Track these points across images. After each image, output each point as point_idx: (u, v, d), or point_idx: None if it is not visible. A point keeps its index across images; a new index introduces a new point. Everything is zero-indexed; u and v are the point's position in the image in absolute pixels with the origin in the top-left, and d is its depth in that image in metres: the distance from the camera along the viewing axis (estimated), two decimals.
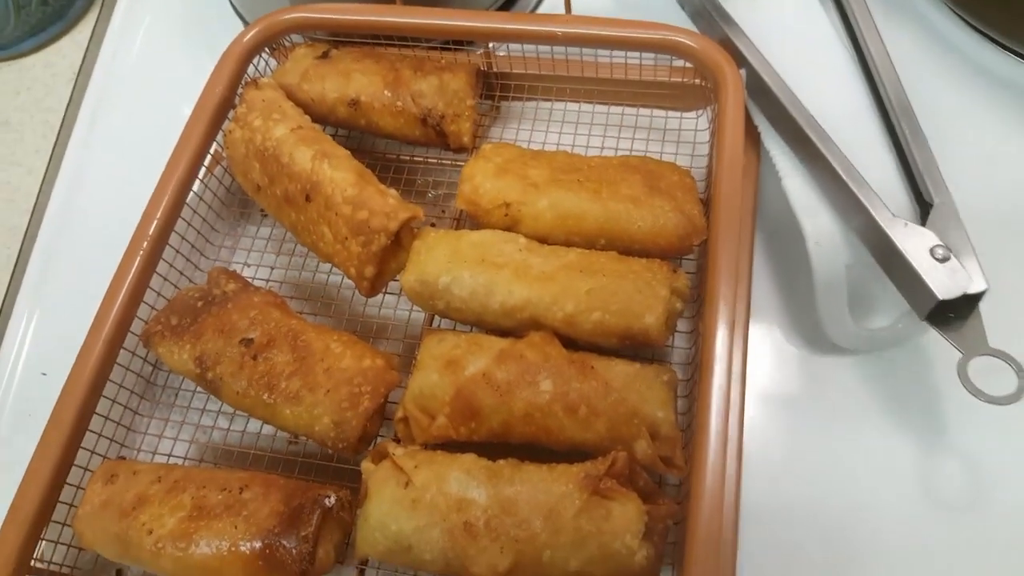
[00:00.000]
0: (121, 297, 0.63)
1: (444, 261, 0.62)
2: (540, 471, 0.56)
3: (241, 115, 0.69)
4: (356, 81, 0.72)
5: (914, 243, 0.58)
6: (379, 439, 0.62)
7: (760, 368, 0.67)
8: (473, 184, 0.66)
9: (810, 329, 0.68)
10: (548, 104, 0.79)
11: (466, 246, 0.63)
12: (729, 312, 0.58)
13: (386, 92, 0.71)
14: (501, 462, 0.56)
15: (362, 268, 0.64)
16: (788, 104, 0.67)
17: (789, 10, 0.73)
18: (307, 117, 0.70)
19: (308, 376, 0.60)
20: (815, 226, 0.65)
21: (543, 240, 0.65)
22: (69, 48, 0.96)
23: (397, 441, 0.61)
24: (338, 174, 0.65)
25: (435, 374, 0.59)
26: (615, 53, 0.73)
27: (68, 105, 0.92)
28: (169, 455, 0.66)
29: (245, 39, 0.73)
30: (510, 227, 0.66)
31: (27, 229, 0.85)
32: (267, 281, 0.72)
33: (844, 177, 0.63)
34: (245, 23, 0.90)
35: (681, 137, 0.75)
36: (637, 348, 0.62)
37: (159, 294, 0.68)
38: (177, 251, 0.70)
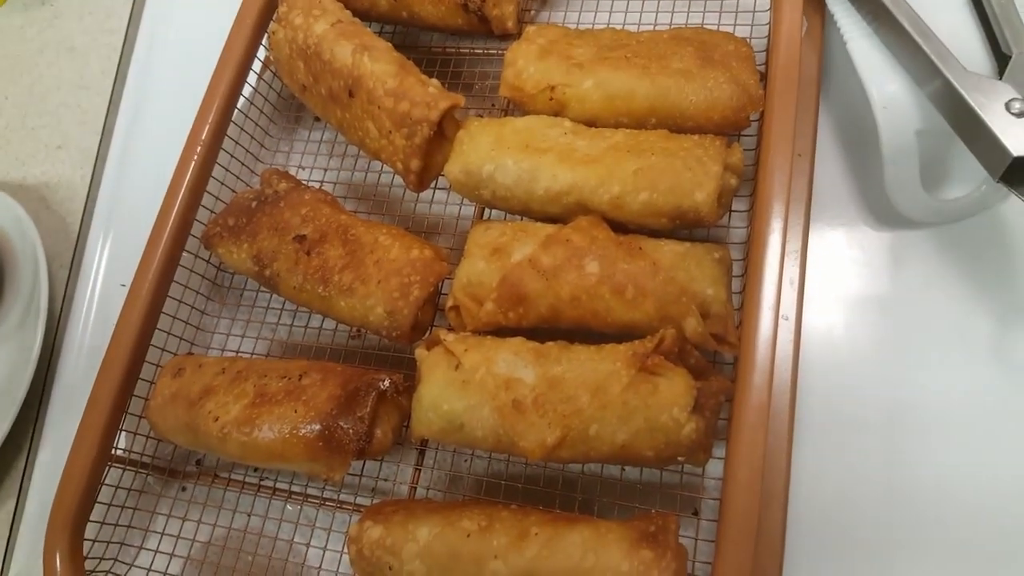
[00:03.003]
0: (178, 202, 0.66)
1: (487, 149, 0.61)
2: (588, 351, 0.55)
3: (283, 15, 0.69)
4: None
5: (987, 97, 0.53)
6: (434, 328, 0.63)
7: (825, 246, 0.64)
8: (516, 69, 0.64)
9: (881, 203, 0.64)
10: None
11: (509, 133, 0.62)
12: (784, 182, 0.55)
13: None
14: (549, 344, 0.56)
15: (408, 162, 0.63)
16: None
17: None
18: (347, 12, 0.69)
19: (359, 269, 0.61)
20: (883, 90, 0.60)
21: (591, 123, 0.63)
22: None
23: (451, 330, 0.61)
24: (378, 67, 0.64)
25: (481, 262, 0.59)
26: None
27: (128, 24, 0.94)
28: (237, 351, 0.69)
29: None
30: (557, 112, 0.64)
31: (99, 149, 0.89)
32: (321, 183, 0.73)
33: (911, 31, 0.58)
34: None
35: (740, 6, 0.70)
36: (689, 228, 0.59)
37: (217, 198, 0.70)
38: (232, 156, 0.71)
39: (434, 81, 0.64)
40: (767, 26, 0.67)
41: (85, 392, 0.63)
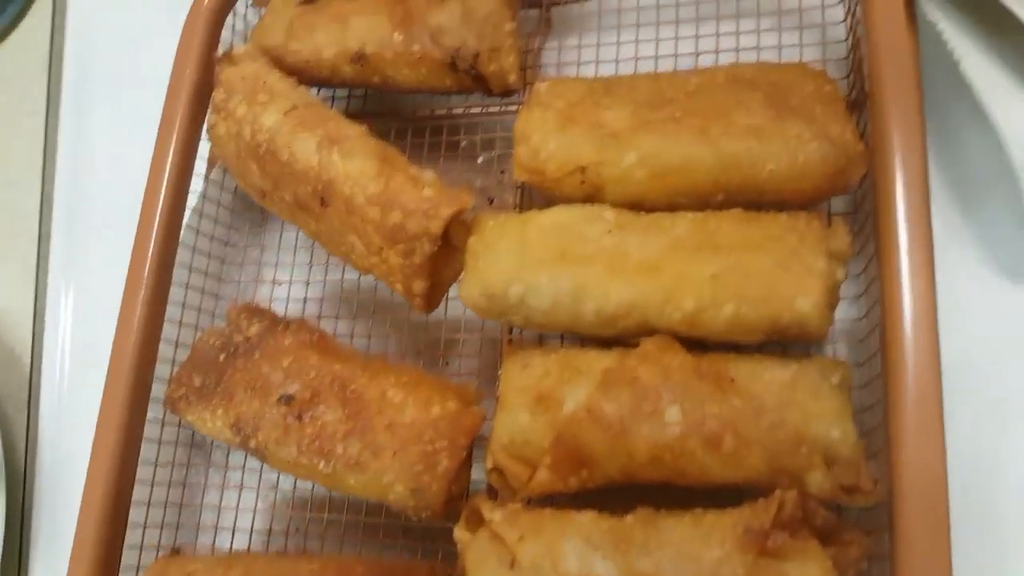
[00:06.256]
0: (128, 366, 0.52)
1: (512, 263, 0.47)
2: (683, 525, 0.42)
3: (220, 103, 0.54)
4: (355, 26, 0.55)
5: None
6: (472, 495, 0.49)
7: (953, 318, 0.50)
8: (531, 146, 0.50)
9: (1013, 259, 0.50)
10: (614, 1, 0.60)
11: (536, 236, 0.47)
12: (920, 272, 0.42)
13: (396, 36, 0.54)
14: (629, 519, 0.43)
15: (409, 284, 0.49)
16: None
17: None
18: (302, 88, 0.55)
19: (367, 435, 0.47)
20: (1019, 124, 0.46)
21: (638, 206, 0.48)
22: (33, 26, 0.82)
23: (491, 493, 0.48)
24: (354, 165, 0.49)
25: (525, 414, 0.46)
26: None
27: (47, 109, 0.79)
28: (233, 530, 0.56)
29: (204, 3, 0.57)
30: (591, 196, 0.49)
31: (37, 267, 0.75)
32: (304, 300, 0.59)
33: None
34: None
35: (804, 17, 0.55)
36: (791, 342, 0.46)
37: (178, 343, 0.56)
38: (187, 286, 0.57)
39: (428, 175, 0.49)
40: (845, 41, 0.52)
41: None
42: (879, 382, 0.43)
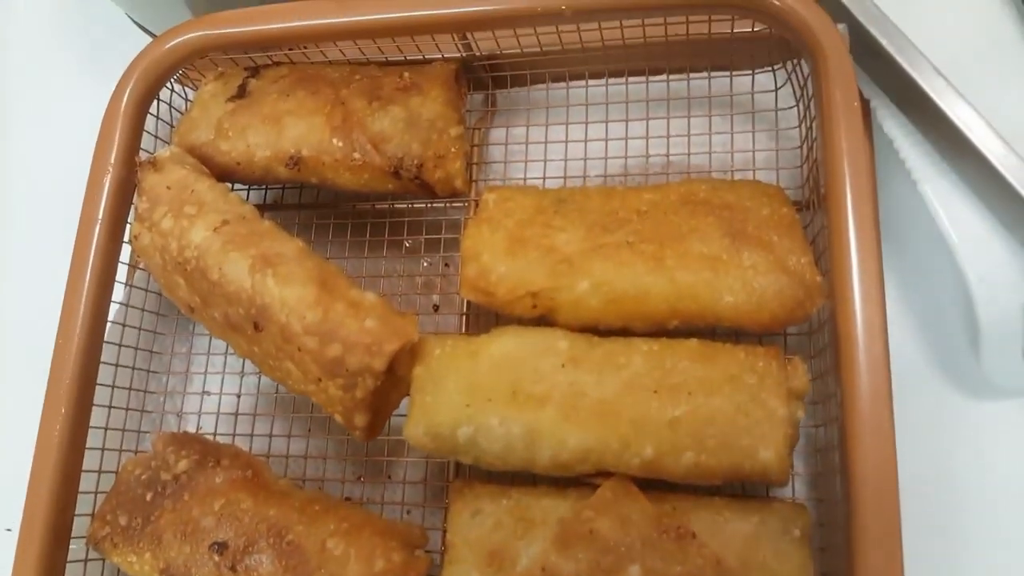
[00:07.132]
0: (44, 507, 0.48)
1: (460, 401, 0.44)
2: None
3: (144, 213, 0.50)
4: (290, 129, 0.52)
5: None
6: None
7: (907, 437, 0.49)
8: (480, 266, 0.47)
9: (966, 376, 0.50)
10: (562, 86, 0.57)
11: (487, 371, 0.45)
12: (883, 427, 0.40)
13: (335, 141, 0.51)
14: None
15: (350, 416, 0.46)
16: (913, 68, 0.46)
17: None
18: (233, 198, 0.50)
19: None
20: (975, 249, 0.46)
21: (591, 329, 0.46)
22: None
23: None
24: (291, 292, 0.46)
25: (475, 573, 0.43)
26: None
27: None
28: None
29: (125, 95, 0.52)
30: (543, 316, 0.47)
31: None
32: (235, 415, 0.55)
33: (1008, 177, 0.44)
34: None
35: (757, 121, 0.53)
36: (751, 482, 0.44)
37: (101, 471, 0.52)
38: (109, 406, 0.53)
39: (370, 300, 0.46)
40: (799, 149, 0.51)
41: None
42: (840, 510, 0.42)
